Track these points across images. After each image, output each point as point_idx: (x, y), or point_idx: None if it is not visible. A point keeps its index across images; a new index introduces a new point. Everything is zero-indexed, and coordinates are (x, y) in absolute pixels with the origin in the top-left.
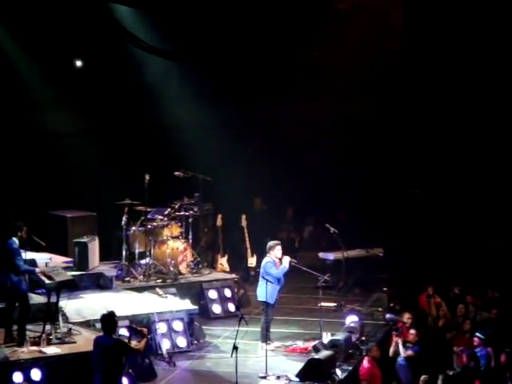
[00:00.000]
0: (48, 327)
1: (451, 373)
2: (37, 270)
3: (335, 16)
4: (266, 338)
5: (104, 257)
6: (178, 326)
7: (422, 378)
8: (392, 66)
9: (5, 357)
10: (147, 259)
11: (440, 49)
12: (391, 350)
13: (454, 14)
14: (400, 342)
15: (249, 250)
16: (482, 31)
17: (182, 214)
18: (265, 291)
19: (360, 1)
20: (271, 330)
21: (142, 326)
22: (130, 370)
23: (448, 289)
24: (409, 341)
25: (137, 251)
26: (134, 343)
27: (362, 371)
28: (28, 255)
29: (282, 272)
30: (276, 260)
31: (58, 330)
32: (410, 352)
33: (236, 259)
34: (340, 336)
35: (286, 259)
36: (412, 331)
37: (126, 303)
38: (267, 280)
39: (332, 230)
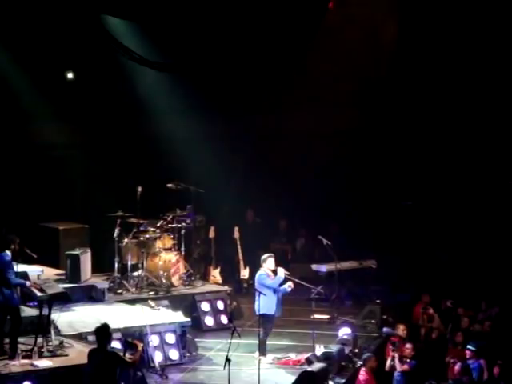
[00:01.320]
0: (40, 340)
1: None
2: (28, 283)
3: (327, 28)
4: (263, 350)
5: (96, 269)
6: (171, 338)
7: None
8: (384, 78)
9: None
10: (139, 271)
11: (432, 62)
12: (387, 364)
13: (447, 27)
14: (397, 356)
15: (241, 262)
16: (474, 44)
17: (174, 225)
18: (261, 304)
19: (352, 13)
20: (267, 342)
21: (135, 339)
22: (122, 383)
23: (440, 301)
24: (405, 356)
25: (129, 263)
26: (127, 356)
27: (359, 383)
28: (20, 268)
29: (278, 282)
30: (269, 272)
31: (50, 343)
32: (406, 366)
33: (229, 271)
34: (333, 348)
35: (281, 270)
36: (408, 345)
37: (118, 316)
38: (260, 292)
39: (325, 241)
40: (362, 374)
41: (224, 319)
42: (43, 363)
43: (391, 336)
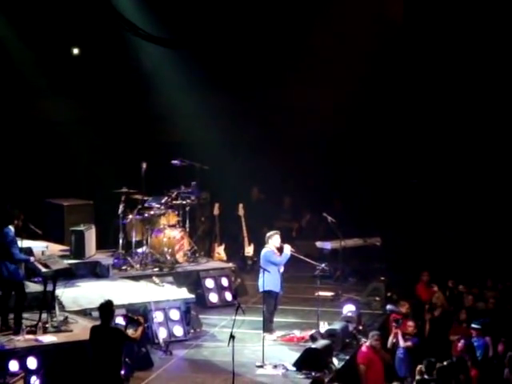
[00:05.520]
0: (44, 316)
1: (445, 362)
2: (32, 258)
3: (333, 3)
4: (268, 328)
5: (101, 245)
6: (175, 314)
7: (419, 367)
8: (390, 54)
9: (1, 345)
10: (144, 248)
11: (438, 38)
12: (389, 341)
13: (453, 4)
14: (400, 333)
15: (246, 239)
16: (480, 21)
17: (179, 202)
18: (266, 281)
19: None
20: (274, 319)
21: (138, 314)
22: (127, 359)
23: (446, 279)
24: (408, 333)
25: (133, 240)
26: (130, 332)
27: (360, 355)
28: (24, 243)
29: (285, 259)
30: (275, 249)
31: (55, 319)
32: (409, 343)
33: (233, 248)
34: (337, 325)
35: (287, 247)
36: (410, 323)
37: (122, 292)
38: (264, 269)
39: (330, 219)
40: (363, 349)
41: (228, 296)
42: (47, 338)
43: (394, 313)
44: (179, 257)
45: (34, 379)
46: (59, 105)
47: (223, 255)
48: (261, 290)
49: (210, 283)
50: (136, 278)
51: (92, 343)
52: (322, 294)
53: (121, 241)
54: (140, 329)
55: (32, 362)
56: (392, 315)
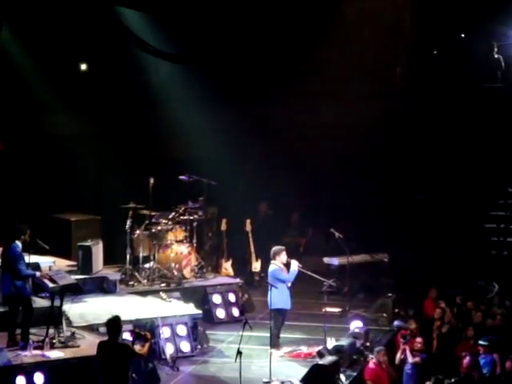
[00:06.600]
0: (51, 331)
1: (453, 379)
2: (37, 273)
3: (343, 21)
4: (275, 343)
5: (108, 260)
6: (182, 330)
7: None
8: (399, 72)
9: (8, 360)
10: (151, 263)
11: (449, 56)
12: (397, 357)
13: (460, 20)
14: (408, 349)
15: (253, 255)
16: (488, 36)
17: (186, 218)
18: (275, 297)
19: (368, 7)
20: (280, 335)
21: (145, 330)
22: (134, 375)
23: (453, 295)
24: (416, 350)
25: (141, 255)
26: (137, 347)
27: (367, 372)
28: (32, 259)
29: (293, 276)
30: (281, 266)
31: (62, 334)
32: (417, 359)
33: (240, 264)
34: (344, 341)
35: (295, 263)
36: (418, 339)
37: (129, 307)
38: (272, 285)
39: (337, 234)
40: (371, 364)
41: (235, 312)
42: (55, 354)
43: (402, 329)
44: (186, 272)
45: None
46: (67, 120)
47: (230, 271)
48: (271, 307)
49: (217, 299)
50: (143, 294)
51: (99, 359)
52: (329, 309)
53: (128, 256)
54: (147, 344)
55: (39, 378)
56: (402, 331)
